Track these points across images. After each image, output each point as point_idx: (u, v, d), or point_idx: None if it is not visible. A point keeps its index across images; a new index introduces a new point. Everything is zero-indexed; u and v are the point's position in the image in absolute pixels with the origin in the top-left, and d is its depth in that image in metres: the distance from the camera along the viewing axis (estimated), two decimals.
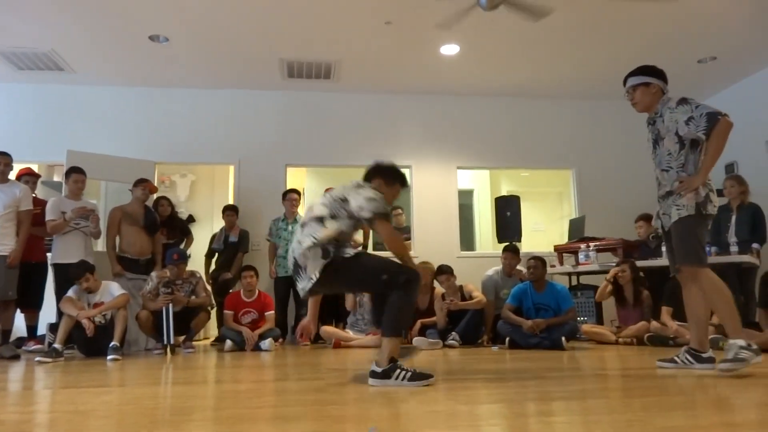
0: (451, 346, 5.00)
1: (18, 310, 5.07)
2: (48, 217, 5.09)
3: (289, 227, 6.04)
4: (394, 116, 7.34)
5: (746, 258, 4.85)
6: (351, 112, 7.30)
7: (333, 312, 5.84)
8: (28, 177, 5.46)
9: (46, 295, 5.32)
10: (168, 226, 5.89)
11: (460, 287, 5.50)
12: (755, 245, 5.10)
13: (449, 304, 5.28)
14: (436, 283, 5.65)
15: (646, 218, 5.82)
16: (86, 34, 5.65)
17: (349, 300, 5.49)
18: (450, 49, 6.09)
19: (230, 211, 6.38)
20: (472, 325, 5.22)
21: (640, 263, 5.31)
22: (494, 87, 7.16)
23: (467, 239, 7.95)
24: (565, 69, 6.68)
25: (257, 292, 5.48)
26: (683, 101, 3.07)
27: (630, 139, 7.48)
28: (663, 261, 5.20)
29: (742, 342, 2.83)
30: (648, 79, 3.20)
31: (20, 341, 5.28)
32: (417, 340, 5.07)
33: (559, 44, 6.02)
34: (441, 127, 7.37)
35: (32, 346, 5.17)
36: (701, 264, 3.01)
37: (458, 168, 7.34)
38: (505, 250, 5.77)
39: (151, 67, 6.45)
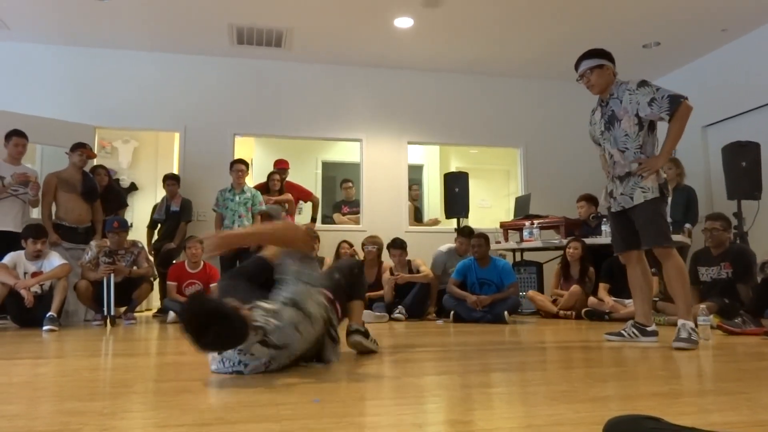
0: (397, 320, 5.07)
1: None
2: None
3: (236, 198, 5.94)
4: (346, 88, 7.27)
5: (679, 238, 5.09)
6: (302, 82, 7.18)
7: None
8: None
9: None
10: (103, 199, 5.67)
11: (408, 261, 5.57)
12: (687, 225, 5.36)
13: (396, 277, 5.34)
14: (384, 257, 5.69)
15: (588, 198, 6.01)
16: None
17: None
18: (404, 22, 6.05)
19: (171, 180, 6.21)
20: (419, 299, 5.30)
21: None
22: (446, 63, 7.17)
23: (416, 214, 8.02)
24: (516, 48, 6.75)
25: (202, 263, 5.38)
26: (644, 83, 3.14)
27: (576, 119, 7.67)
28: (602, 240, 5.40)
29: (692, 324, 3.01)
30: (602, 61, 3.26)
31: None
32: (364, 313, 5.11)
33: (510, 23, 6.07)
34: (393, 101, 7.35)
35: None
36: (671, 245, 3.13)
37: (409, 143, 7.35)
38: (459, 234, 5.82)
39: (92, 25, 6.14)
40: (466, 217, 6.66)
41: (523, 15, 5.88)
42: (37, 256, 4.59)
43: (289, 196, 6.30)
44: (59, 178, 5.32)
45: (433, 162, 9.07)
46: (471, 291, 5.05)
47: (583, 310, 5.02)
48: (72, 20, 6.01)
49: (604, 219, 5.52)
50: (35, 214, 5.46)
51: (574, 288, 5.13)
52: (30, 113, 6.04)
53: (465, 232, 5.77)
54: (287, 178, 6.58)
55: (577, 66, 3.35)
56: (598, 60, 3.27)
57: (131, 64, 6.79)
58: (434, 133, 7.45)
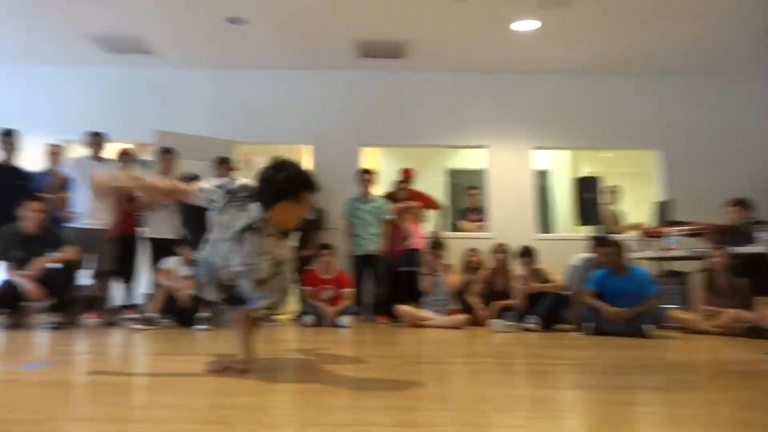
0: (529, 330, 4.93)
1: (115, 281, 5.42)
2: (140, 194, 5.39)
3: (364, 206, 6.11)
4: (469, 95, 7.22)
5: None
6: (425, 91, 7.24)
7: (409, 291, 5.89)
8: (125, 156, 5.77)
9: (139, 267, 5.65)
10: None
11: (539, 270, 5.40)
12: None
13: (525, 287, 5.20)
14: (514, 265, 5.57)
15: (740, 203, 5.46)
16: (170, 17, 5.86)
17: (426, 281, 5.52)
18: (526, 25, 5.89)
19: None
20: (552, 309, 5.11)
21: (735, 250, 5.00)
22: (572, 64, 6.87)
23: (545, 221, 7.77)
24: (651, 42, 6.30)
25: (335, 269, 5.59)
26: None
27: (721, 119, 7.02)
28: (758, 248, 4.89)
29: None
30: None
31: (117, 309, 5.66)
32: (493, 323, 5.03)
33: (643, 16, 5.67)
34: (517, 107, 7.18)
35: (128, 314, 5.53)
36: None
37: (534, 148, 7.15)
38: (597, 244, 5.38)
39: (231, 49, 6.63)
40: (599, 224, 6.32)
41: (658, 6, 5.48)
42: (190, 261, 5.03)
43: (415, 203, 6.37)
44: None
45: (562, 167, 8.74)
46: (608, 302, 4.78)
47: (742, 327, 4.54)
48: (213, 45, 6.54)
49: (760, 225, 4.99)
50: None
51: (735, 313, 4.61)
52: (179, 131, 6.65)
53: (604, 242, 5.32)
54: (413, 187, 6.66)
55: None
56: None
57: (265, 82, 7.25)
58: (561, 138, 7.16)
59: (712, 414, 1.73)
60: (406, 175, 6.55)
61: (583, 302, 4.89)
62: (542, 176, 8.08)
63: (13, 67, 7.05)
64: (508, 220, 6.91)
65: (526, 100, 7.19)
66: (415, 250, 6.04)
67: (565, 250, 5.95)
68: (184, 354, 3.11)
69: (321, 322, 5.20)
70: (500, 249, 5.67)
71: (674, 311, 5.08)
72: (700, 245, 5.50)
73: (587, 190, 6.48)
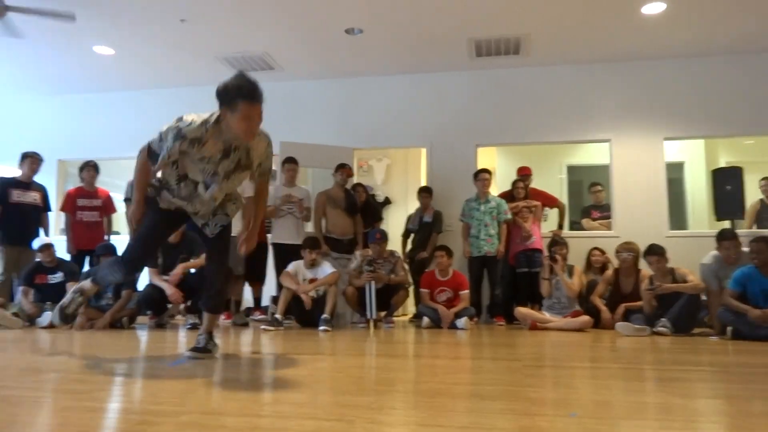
0: (660, 333, 4.61)
1: (246, 284, 5.80)
2: (266, 203, 5.74)
3: (481, 207, 6.04)
4: (590, 88, 6.90)
5: None
6: (542, 86, 7.03)
7: (529, 293, 5.75)
8: None
9: (267, 270, 6.00)
10: (362, 213, 6.24)
11: (672, 270, 5.03)
12: None
13: (656, 288, 4.86)
14: (643, 265, 5.24)
15: None
16: (291, 34, 6.19)
17: (545, 284, 5.34)
18: (653, 8, 5.53)
19: (425, 192, 6.56)
20: (686, 312, 4.74)
21: None
22: (705, 46, 6.33)
23: (678, 217, 7.22)
24: None
25: (451, 271, 5.58)
26: None
27: None
28: None
29: None
30: None
31: (248, 311, 6.04)
32: (620, 326, 4.76)
33: None
34: (644, 96, 6.74)
35: (258, 315, 5.89)
36: None
37: (665, 139, 6.67)
38: (721, 238, 4.97)
39: (347, 58, 6.87)
40: (741, 218, 5.78)
41: None
42: (313, 264, 5.27)
43: (535, 201, 6.20)
44: (327, 196, 6.03)
45: (697, 158, 8.07)
46: (754, 304, 4.35)
47: None
48: (330, 56, 6.81)
49: None
50: (308, 227, 6.27)
51: None
52: (301, 141, 6.99)
53: (727, 235, 4.86)
54: (531, 185, 6.49)
55: None
56: None
57: (381, 88, 7.42)
58: (696, 126, 6.63)
59: None
60: (524, 174, 6.40)
61: (722, 304, 4.49)
62: (674, 169, 7.52)
63: (155, 92, 7.78)
64: (635, 217, 6.51)
65: (654, 88, 6.74)
66: (535, 250, 5.87)
67: (701, 248, 5.50)
68: (307, 353, 3.25)
69: (438, 323, 5.21)
70: (627, 248, 5.36)
71: None
72: None
73: (727, 181, 5.96)
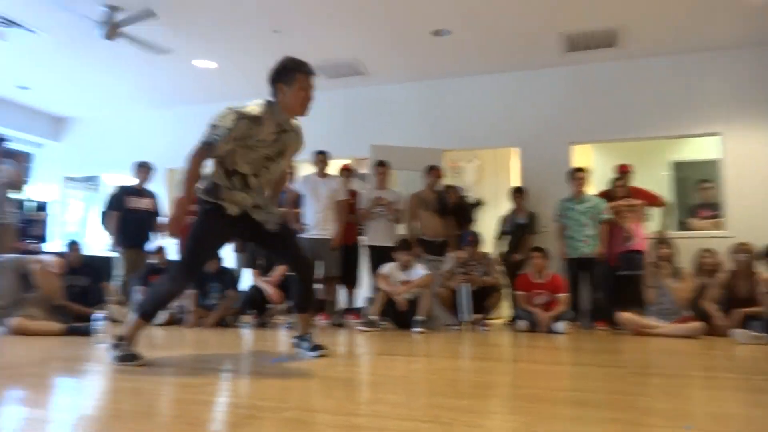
0: None
1: (341, 286, 5.92)
2: (360, 206, 5.85)
3: (578, 207, 5.82)
4: (694, 78, 6.44)
5: None
6: (641, 79, 6.65)
7: (632, 296, 5.46)
8: (346, 171, 6.29)
9: (361, 272, 6.10)
10: (454, 215, 6.19)
11: None
12: None
13: None
14: (759, 267, 4.85)
15: None
16: (379, 39, 6.26)
17: (649, 294, 5.06)
18: None
19: (517, 193, 6.42)
20: None
21: None
22: None
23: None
24: None
25: (548, 273, 5.42)
26: None
27: None
28: None
29: None
30: None
31: (344, 312, 6.17)
32: (737, 333, 4.41)
33: None
34: (757, 84, 6.21)
35: (351, 319, 6.00)
36: None
37: None
38: None
39: (436, 60, 6.85)
40: None
41: None
42: (406, 266, 5.29)
43: (636, 200, 5.89)
44: (419, 198, 6.04)
45: None
46: None
47: None
48: (419, 59, 6.81)
49: None
50: (402, 230, 6.30)
51: None
52: (393, 144, 7.04)
53: None
54: (631, 183, 6.17)
55: None
56: None
57: (472, 88, 7.33)
58: None
59: None
60: (623, 171, 6.10)
61: None
62: None
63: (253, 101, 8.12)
64: (751, 215, 6.02)
65: None
66: (637, 252, 5.58)
67: None
68: (402, 354, 3.27)
69: (535, 327, 5.07)
70: (742, 249, 4.97)
71: None
72: None
73: None
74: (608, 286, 5.62)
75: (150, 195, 6.40)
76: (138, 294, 5.65)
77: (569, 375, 2.57)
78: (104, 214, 6.26)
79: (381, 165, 6.02)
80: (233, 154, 2.77)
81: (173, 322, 5.31)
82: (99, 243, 7.49)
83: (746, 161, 6.17)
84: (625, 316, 4.99)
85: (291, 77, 2.77)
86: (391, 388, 2.11)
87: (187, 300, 5.23)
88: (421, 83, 7.51)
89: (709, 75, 6.41)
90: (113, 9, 5.54)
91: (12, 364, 2.67)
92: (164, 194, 7.88)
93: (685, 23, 5.78)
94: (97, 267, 6.03)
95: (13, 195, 5.62)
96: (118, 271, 6.12)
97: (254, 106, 2.76)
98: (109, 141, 9.00)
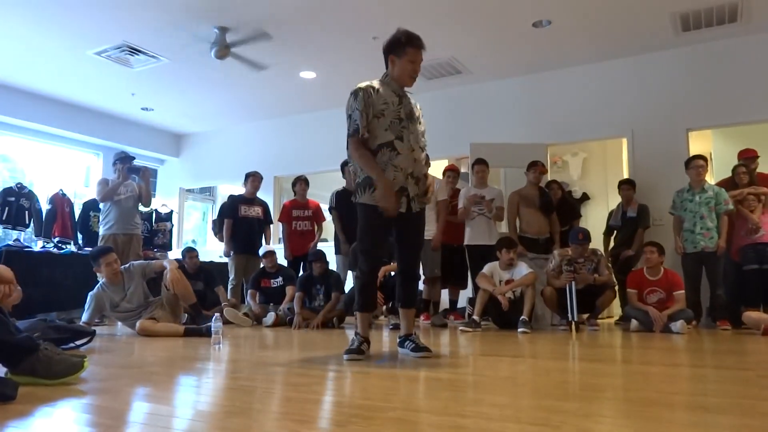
0: None
1: (443, 286, 5.92)
2: (459, 205, 5.81)
3: (696, 197, 5.44)
4: None
5: None
6: (764, 55, 6.09)
7: (760, 293, 5.02)
8: (450, 172, 6.28)
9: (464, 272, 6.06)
10: (558, 211, 6.00)
11: None
12: None
13: None
14: None
15: None
16: (477, 36, 6.20)
17: None
18: None
19: (626, 185, 6.11)
20: None
21: None
22: None
23: None
24: None
25: (662, 270, 5.11)
26: None
27: None
28: None
29: None
30: None
31: (445, 313, 6.16)
32: None
33: None
34: None
35: (454, 320, 5.98)
36: None
37: None
38: None
39: (535, 53, 6.67)
40: None
41: None
42: (509, 265, 5.20)
43: (763, 188, 5.41)
44: (520, 195, 5.91)
45: None
46: None
47: None
48: (518, 52, 6.66)
49: None
50: (503, 228, 6.19)
51: None
52: (494, 141, 6.94)
53: None
54: (758, 169, 5.67)
55: None
56: None
57: (574, 79, 7.06)
58: None
59: None
60: (748, 157, 5.63)
61: None
62: None
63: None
64: None
65: None
66: (766, 244, 5.13)
67: None
68: (506, 355, 3.21)
69: (649, 327, 4.80)
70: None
71: None
72: None
73: None
74: (732, 282, 5.21)
75: (260, 203, 6.74)
76: (249, 297, 5.97)
77: (687, 378, 2.41)
78: (218, 222, 6.69)
79: (480, 163, 5.96)
80: (370, 127, 2.99)
81: (281, 323, 5.55)
82: (214, 250, 8.01)
83: None
84: (753, 315, 4.60)
85: (402, 50, 3.02)
86: (497, 390, 2.09)
87: (294, 302, 5.45)
88: (522, 78, 7.35)
89: None
90: (224, 30, 5.91)
91: (139, 362, 2.91)
92: (272, 202, 8.27)
93: None
94: (212, 272, 6.44)
95: (141, 208, 6.14)
96: (231, 276, 6.50)
97: (364, 82, 3.04)
98: (222, 153, 9.60)
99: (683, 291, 5.01)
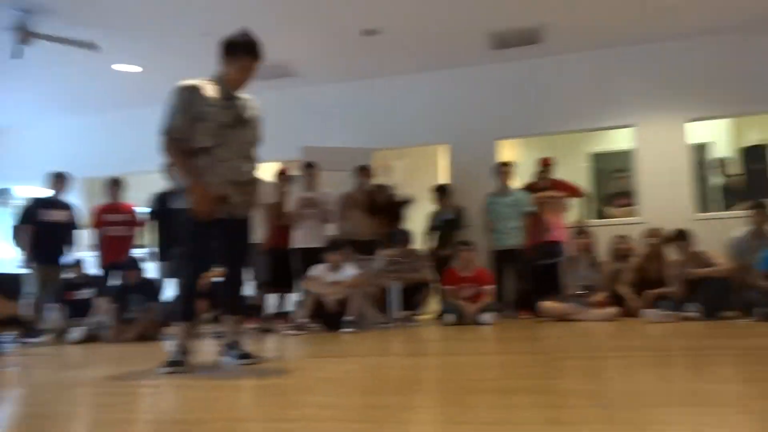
0: (689, 319, 4.53)
1: (271, 290, 5.83)
2: (289, 208, 5.77)
3: (503, 200, 6.00)
4: (611, 73, 6.76)
5: None
6: (563, 75, 6.92)
7: (553, 285, 5.67)
8: (282, 176, 6.16)
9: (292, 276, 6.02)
10: (384, 213, 6.22)
11: (698, 254, 4.94)
12: None
13: (683, 273, 4.79)
14: (667, 250, 5.16)
15: None
16: (309, 40, 6.21)
17: (570, 274, 5.28)
18: None
19: (439, 191, 6.55)
20: (715, 296, 4.65)
21: None
22: (728, 21, 6.13)
23: (704, 200, 7.03)
24: None
25: (474, 267, 5.55)
26: None
27: None
28: None
29: None
30: None
31: (273, 317, 6.07)
32: (648, 313, 4.69)
33: None
34: (667, 77, 6.57)
35: (282, 323, 5.92)
36: None
37: (689, 121, 6.51)
38: (753, 206, 5.08)
39: (365, 60, 6.86)
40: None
41: None
42: (336, 267, 5.28)
43: (556, 192, 6.13)
44: (348, 198, 6.04)
45: (724, 138, 7.86)
46: None
47: None
48: (348, 59, 6.81)
49: None
50: (331, 231, 6.27)
51: None
52: (323, 145, 7.00)
53: (757, 205, 5.09)
54: (554, 175, 6.42)
55: None
56: None
57: (401, 87, 7.39)
58: (722, 105, 6.46)
59: None
60: (545, 164, 6.33)
61: (752, 285, 4.41)
62: (700, 150, 7.35)
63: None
64: (660, 202, 6.38)
65: (678, 68, 6.55)
66: (556, 242, 5.81)
67: (729, 230, 5.40)
68: (333, 356, 3.27)
69: (462, 320, 5.18)
70: (652, 234, 5.28)
71: None
72: None
73: (755, 160, 5.82)
74: (531, 276, 5.82)
75: (66, 206, 6.08)
76: (51, 312, 5.36)
77: (495, 365, 2.65)
78: (16, 228, 5.90)
79: (309, 166, 5.98)
80: (191, 129, 2.81)
81: (91, 339, 5.06)
82: (10, 259, 7.05)
83: (657, 151, 6.53)
84: (546, 304, 5.19)
85: (236, 55, 2.90)
86: (322, 391, 2.11)
87: (105, 314, 5.01)
88: (352, 83, 7.51)
89: (624, 69, 6.72)
90: (27, 12, 5.23)
91: None
92: (83, 205, 7.50)
93: (601, 20, 6.02)
94: (7, 285, 5.68)
95: None
96: (30, 289, 5.78)
97: (190, 79, 2.88)
98: (21, 152, 8.52)
99: (492, 286, 5.49)
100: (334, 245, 5.34)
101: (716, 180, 6.63)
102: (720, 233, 5.47)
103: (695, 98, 6.47)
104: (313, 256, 5.49)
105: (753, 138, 7.44)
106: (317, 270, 5.27)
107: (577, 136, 7.69)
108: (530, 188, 6.23)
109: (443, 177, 7.55)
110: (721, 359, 2.50)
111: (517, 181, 6.45)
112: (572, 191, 6.31)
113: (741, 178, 6.30)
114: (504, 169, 6.11)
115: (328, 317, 5.10)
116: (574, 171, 7.53)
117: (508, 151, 7.67)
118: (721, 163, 6.77)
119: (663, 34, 6.40)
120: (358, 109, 7.47)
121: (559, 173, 6.42)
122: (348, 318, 4.92)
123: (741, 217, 5.54)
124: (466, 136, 7.07)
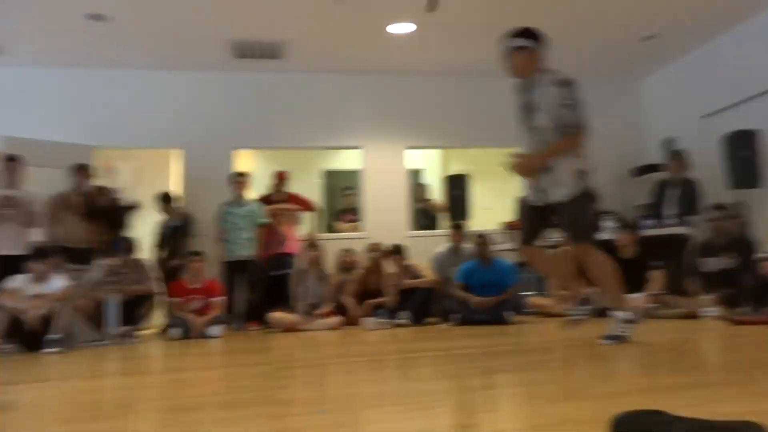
0: (401, 325, 5.06)
1: None
2: None
3: (237, 210, 5.93)
4: (344, 96, 7.24)
5: (683, 230, 5.14)
6: (301, 92, 7.16)
7: (282, 296, 5.80)
8: None
9: None
10: (105, 218, 5.66)
11: (409, 267, 5.57)
12: (691, 217, 5.36)
13: (396, 284, 5.35)
14: (386, 263, 5.69)
15: None
16: (18, 12, 5.32)
17: (298, 285, 5.46)
18: (402, 28, 6.02)
19: (166, 198, 6.23)
20: (422, 304, 5.29)
21: None
22: (449, 66, 7.04)
23: (429, 219, 7.94)
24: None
25: (204, 278, 5.37)
26: (564, 83, 2.99)
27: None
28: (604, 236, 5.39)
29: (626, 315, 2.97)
30: (528, 43, 3.21)
31: None
32: (365, 321, 5.10)
33: (503, 25, 6.05)
34: (391, 107, 7.29)
35: None
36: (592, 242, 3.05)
37: (407, 148, 7.33)
38: (451, 227, 6.05)
39: (89, 47, 6.12)
40: (466, 219, 6.63)
41: (514, 16, 5.85)
42: (41, 278, 4.58)
43: (291, 205, 6.30)
44: (61, 200, 5.32)
45: (435, 165, 9.04)
46: (474, 293, 5.04)
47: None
48: (68, 42, 5.99)
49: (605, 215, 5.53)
50: (37, 236, 5.45)
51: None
52: (29, 137, 6.05)
53: (454, 225, 6.13)
54: (288, 189, 6.58)
55: (508, 43, 3.28)
56: (524, 41, 3.20)
57: (130, 83, 6.78)
58: (433, 137, 7.41)
59: (565, 389, 1.87)
60: (281, 178, 6.46)
61: (450, 294, 5.13)
62: (417, 175, 8.32)
63: None
64: (381, 218, 7.02)
65: (401, 100, 7.33)
66: (288, 254, 5.97)
67: (437, 246, 6.19)
68: (29, 381, 2.83)
69: (189, 334, 4.96)
70: (374, 248, 5.78)
71: (533, 298, 5.48)
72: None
73: (456, 187, 6.78)
74: (262, 287, 5.87)
75: None
76: None
77: (220, 378, 2.59)
78: None
79: (12, 160, 5.12)
80: None
81: None
82: None
83: (380, 171, 7.18)
84: (275, 314, 5.28)
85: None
86: (16, 422, 1.80)
87: None
88: (71, 70, 6.62)
89: (355, 95, 7.25)
90: None
91: None
92: None
93: (338, 46, 6.36)
94: None
95: None
96: None
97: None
98: None
99: (222, 297, 5.37)
100: (40, 253, 4.64)
101: (420, 203, 7.60)
102: (427, 249, 6.24)
103: (413, 129, 7.31)
104: (11, 265, 4.69)
105: (456, 168, 8.71)
106: (16, 281, 4.52)
107: (312, 153, 8.04)
108: (265, 200, 6.29)
109: (175, 183, 7.17)
110: (424, 361, 2.83)
111: (252, 192, 6.46)
112: (306, 205, 6.56)
113: (439, 202, 7.29)
114: (239, 179, 6.06)
115: (27, 336, 4.39)
116: (308, 186, 7.85)
117: (244, 161, 7.64)
118: (423, 188, 7.81)
119: (392, 68, 7.10)
120: (78, 101, 6.65)
121: (294, 187, 6.62)
122: (52, 336, 4.30)
123: (443, 235, 6.43)
124: (202, 143, 6.83)
